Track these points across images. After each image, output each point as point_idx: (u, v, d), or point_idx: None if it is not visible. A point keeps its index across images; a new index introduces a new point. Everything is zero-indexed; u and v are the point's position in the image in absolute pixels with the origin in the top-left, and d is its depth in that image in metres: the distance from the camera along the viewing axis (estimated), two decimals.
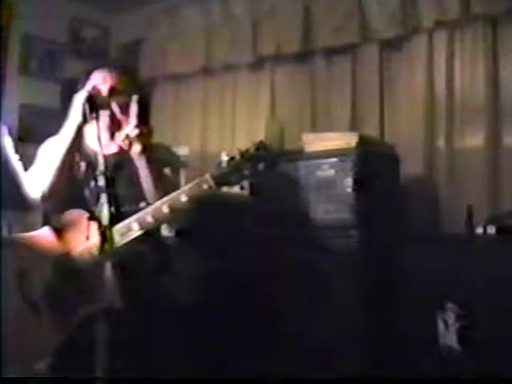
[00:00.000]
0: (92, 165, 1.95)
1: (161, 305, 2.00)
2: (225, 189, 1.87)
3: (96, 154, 1.58)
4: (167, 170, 2.07)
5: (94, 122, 1.81)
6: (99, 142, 1.62)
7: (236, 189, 1.87)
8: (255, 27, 3.83)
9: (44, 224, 1.97)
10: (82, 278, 1.81)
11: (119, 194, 1.55)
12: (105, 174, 1.53)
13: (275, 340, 2.70)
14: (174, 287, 2.13)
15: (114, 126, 2.02)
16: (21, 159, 1.89)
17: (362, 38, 3.42)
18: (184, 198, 1.82)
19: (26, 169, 1.93)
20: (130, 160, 1.99)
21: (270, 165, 1.84)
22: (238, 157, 1.84)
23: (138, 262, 1.94)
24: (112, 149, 2.05)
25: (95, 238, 1.49)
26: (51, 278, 1.84)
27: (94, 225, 1.49)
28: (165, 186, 1.93)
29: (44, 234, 1.93)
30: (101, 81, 2.03)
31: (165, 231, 2.07)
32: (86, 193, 1.98)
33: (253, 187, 2.23)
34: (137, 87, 2.11)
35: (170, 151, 2.26)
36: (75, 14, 4.40)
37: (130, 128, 1.92)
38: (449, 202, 3.09)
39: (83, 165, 2.02)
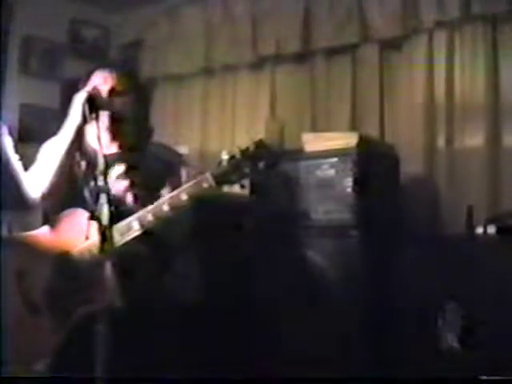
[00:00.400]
0: (92, 164, 1.95)
1: (161, 305, 2.00)
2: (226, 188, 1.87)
3: (96, 154, 1.58)
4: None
5: (94, 123, 1.81)
6: (99, 142, 1.62)
7: (236, 187, 1.87)
8: (255, 27, 3.83)
9: (44, 224, 1.97)
10: (82, 278, 1.81)
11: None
12: (105, 174, 1.53)
13: (275, 340, 2.70)
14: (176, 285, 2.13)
15: (114, 126, 2.02)
16: (21, 159, 1.89)
17: (362, 38, 3.42)
18: (184, 197, 1.82)
19: (26, 169, 1.93)
20: (130, 160, 1.99)
21: (270, 163, 1.84)
22: (238, 155, 1.84)
23: (139, 261, 1.94)
24: (112, 149, 2.05)
25: (95, 238, 1.49)
26: (50, 277, 1.84)
27: (93, 224, 1.49)
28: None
29: (43, 234, 1.93)
30: (101, 81, 2.03)
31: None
32: (86, 192, 1.97)
33: (253, 186, 2.23)
34: (137, 88, 2.12)
35: (170, 150, 2.26)
36: (75, 14, 4.39)
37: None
38: (449, 201, 3.09)
39: (83, 164, 2.01)
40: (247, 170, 1.84)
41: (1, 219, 1.92)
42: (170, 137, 3.99)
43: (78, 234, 1.81)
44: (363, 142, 2.78)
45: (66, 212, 1.91)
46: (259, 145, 1.86)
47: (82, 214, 1.79)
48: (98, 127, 1.73)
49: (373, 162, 2.79)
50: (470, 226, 2.66)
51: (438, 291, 2.45)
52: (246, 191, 2.04)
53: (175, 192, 1.84)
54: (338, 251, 2.65)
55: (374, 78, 3.43)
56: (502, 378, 2.17)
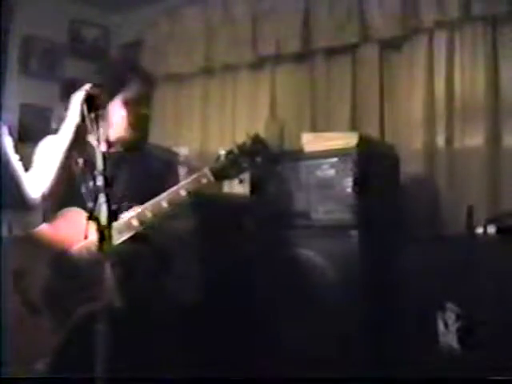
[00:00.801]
0: (90, 162, 1.94)
1: (161, 305, 2.00)
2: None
3: (95, 152, 1.58)
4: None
5: (93, 122, 1.80)
6: (98, 141, 1.62)
7: (236, 186, 1.87)
8: (255, 27, 3.83)
9: (43, 223, 1.97)
10: (81, 277, 1.80)
11: (118, 193, 1.54)
12: (103, 173, 1.53)
13: (275, 340, 2.70)
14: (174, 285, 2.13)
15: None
16: (21, 159, 1.89)
17: (362, 38, 3.42)
18: (183, 193, 1.82)
19: (26, 169, 1.93)
20: (130, 159, 1.99)
21: (267, 158, 1.85)
22: (235, 150, 1.84)
23: (138, 261, 1.94)
24: (111, 148, 2.05)
25: (93, 236, 1.49)
26: (49, 276, 1.83)
27: (92, 224, 1.49)
28: None
29: (41, 233, 1.92)
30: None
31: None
32: (83, 190, 1.97)
33: (253, 186, 2.22)
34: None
35: (168, 150, 2.27)
36: (75, 14, 4.40)
37: None
38: (449, 201, 3.09)
39: (81, 161, 2.01)
40: (245, 165, 1.84)
41: (1, 219, 1.92)
42: (170, 137, 4.00)
43: (76, 233, 1.81)
44: (363, 141, 2.78)
45: (65, 211, 1.91)
46: (256, 139, 1.86)
47: (80, 214, 1.79)
48: (97, 126, 1.73)
49: (373, 162, 2.79)
50: (470, 226, 2.66)
51: (437, 291, 2.45)
52: (245, 186, 2.04)
53: (174, 188, 1.84)
54: (338, 251, 2.65)
55: (374, 78, 3.43)
56: (502, 378, 2.17)
